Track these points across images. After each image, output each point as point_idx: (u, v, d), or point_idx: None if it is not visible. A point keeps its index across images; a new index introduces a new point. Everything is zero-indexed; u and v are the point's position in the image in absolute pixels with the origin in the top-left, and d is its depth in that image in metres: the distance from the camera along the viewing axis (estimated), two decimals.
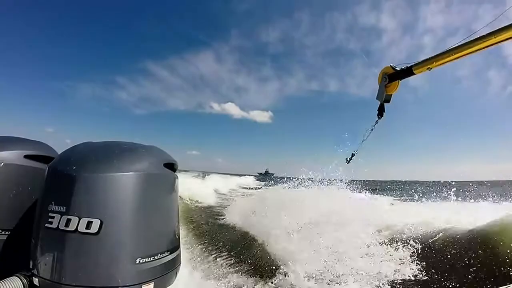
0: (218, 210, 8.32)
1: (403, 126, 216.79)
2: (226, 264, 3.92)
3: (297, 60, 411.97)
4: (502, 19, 1.85)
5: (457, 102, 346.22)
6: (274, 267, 3.48)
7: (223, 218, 6.98)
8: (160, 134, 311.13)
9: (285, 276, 3.20)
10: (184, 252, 1.25)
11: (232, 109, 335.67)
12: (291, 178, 7.86)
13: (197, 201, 9.35)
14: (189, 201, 8.86)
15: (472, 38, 1.86)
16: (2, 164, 1.23)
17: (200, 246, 4.63)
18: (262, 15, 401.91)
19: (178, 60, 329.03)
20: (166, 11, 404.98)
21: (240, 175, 35.05)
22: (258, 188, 18.07)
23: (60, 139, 44.38)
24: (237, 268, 3.76)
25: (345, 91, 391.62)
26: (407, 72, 2.23)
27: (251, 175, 42.43)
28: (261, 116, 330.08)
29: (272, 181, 13.45)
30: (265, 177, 51.49)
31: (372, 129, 2.57)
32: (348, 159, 2.87)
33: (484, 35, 1.81)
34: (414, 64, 2.16)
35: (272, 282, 3.19)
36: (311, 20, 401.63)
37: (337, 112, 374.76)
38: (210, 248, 4.56)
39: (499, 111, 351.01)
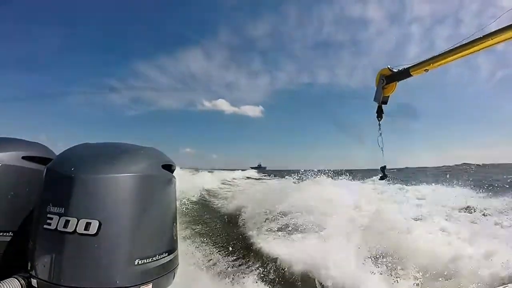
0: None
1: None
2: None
3: (286, 54, 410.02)
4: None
5: (447, 90, 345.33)
6: None
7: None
8: (153, 134, 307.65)
9: None
10: (182, 253, 1.27)
11: (223, 105, 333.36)
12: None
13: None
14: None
15: (468, 40, 1.89)
16: (0, 165, 1.23)
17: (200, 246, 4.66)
18: (249, 10, 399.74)
19: (168, 59, 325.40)
20: (153, 9, 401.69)
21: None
22: None
23: (54, 146, 43.84)
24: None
25: (335, 82, 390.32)
26: (404, 73, 2.25)
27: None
28: (253, 111, 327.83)
29: None
30: (258, 170, 51.85)
31: (381, 134, 2.57)
32: (383, 175, 2.72)
33: (480, 37, 1.83)
34: (411, 65, 2.19)
35: None
36: (299, 14, 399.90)
37: (328, 102, 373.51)
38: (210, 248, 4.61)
39: (489, 98, 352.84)
